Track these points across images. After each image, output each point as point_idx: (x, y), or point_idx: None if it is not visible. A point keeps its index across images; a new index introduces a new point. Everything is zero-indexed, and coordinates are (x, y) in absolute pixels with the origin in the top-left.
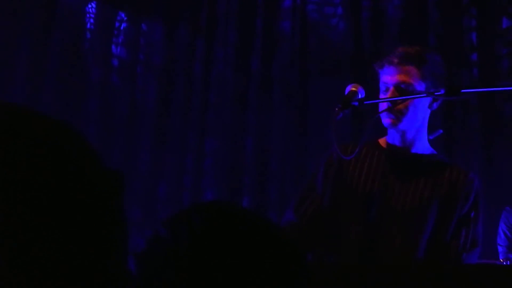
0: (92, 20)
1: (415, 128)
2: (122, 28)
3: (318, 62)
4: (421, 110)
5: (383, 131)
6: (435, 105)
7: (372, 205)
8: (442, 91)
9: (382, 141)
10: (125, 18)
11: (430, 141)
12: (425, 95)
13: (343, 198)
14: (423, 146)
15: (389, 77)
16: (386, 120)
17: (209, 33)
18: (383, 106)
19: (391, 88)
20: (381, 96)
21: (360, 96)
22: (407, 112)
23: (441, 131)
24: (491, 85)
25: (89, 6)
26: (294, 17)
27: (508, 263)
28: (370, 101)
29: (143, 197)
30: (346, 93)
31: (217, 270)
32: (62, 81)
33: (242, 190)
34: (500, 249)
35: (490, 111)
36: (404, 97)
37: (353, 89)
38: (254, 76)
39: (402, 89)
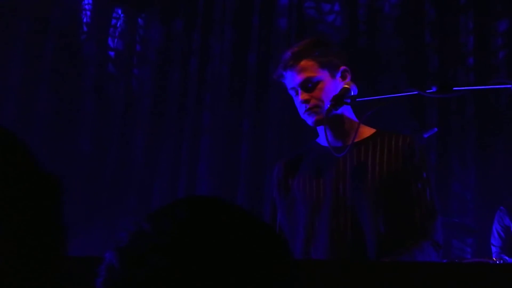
0: (88, 13)
1: (339, 114)
2: (118, 25)
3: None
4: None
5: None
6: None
7: (329, 208)
8: (434, 89)
9: (318, 141)
10: (122, 16)
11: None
12: (417, 92)
13: (297, 209)
14: (355, 129)
15: (292, 81)
16: (310, 120)
17: (205, 29)
18: (301, 109)
19: (299, 90)
20: (295, 100)
21: (352, 93)
22: (324, 104)
23: (436, 129)
24: (483, 83)
25: (86, 1)
26: (291, 14)
27: (501, 263)
28: (363, 99)
29: (139, 191)
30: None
31: (200, 263)
32: (58, 75)
33: (237, 184)
34: (493, 249)
35: (484, 103)
36: (392, 95)
37: (346, 86)
38: (251, 72)
39: (308, 86)
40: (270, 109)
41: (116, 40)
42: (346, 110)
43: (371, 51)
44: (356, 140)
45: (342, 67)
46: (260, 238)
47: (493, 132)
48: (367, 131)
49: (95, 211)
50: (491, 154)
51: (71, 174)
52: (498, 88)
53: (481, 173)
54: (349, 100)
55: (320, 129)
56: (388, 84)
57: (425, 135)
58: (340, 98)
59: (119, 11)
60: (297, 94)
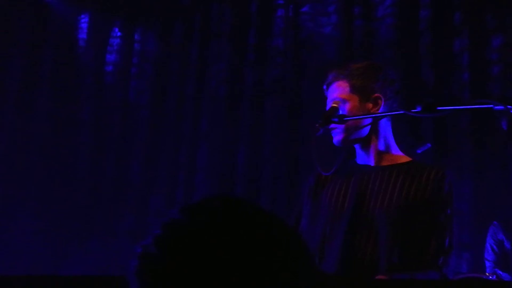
0: (85, 30)
1: (375, 138)
2: (116, 41)
3: (312, 72)
4: (369, 120)
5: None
6: (377, 111)
7: (346, 222)
8: (419, 109)
9: (356, 160)
10: (119, 34)
11: (406, 150)
12: (403, 112)
13: (319, 219)
14: (393, 154)
15: (328, 97)
16: (335, 138)
17: (202, 42)
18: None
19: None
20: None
21: (341, 112)
22: (354, 126)
23: (429, 145)
24: (467, 103)
25: (82, 16)
26: (287, 26)
27: (495, 277)
28: (350, 118)
29: (135, 208)
30: (327, 109)
31: (230, 258)
32: (56, 88)
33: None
34: (487, 263)
35: (480, 118)
36: (380, 114)
37: (334, 105)
38: (247, 89)
39: (337, 106)
40: (267, 124)
41: (113, 54)
42: (385, 128)
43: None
44: (388, 164)
45: (376, 94)
46: (285, 236)
47: (488, 146)
48: (401, 158)
49: (93, 223)
50: (487, 169)
51: (68, 185)
52: (480, 108)
53: (477, 187)
54: (336, 119)
55: (358, 150)
56: None
57: (419, 151)
58: (327, 117)
59: (116, 27)
60: None
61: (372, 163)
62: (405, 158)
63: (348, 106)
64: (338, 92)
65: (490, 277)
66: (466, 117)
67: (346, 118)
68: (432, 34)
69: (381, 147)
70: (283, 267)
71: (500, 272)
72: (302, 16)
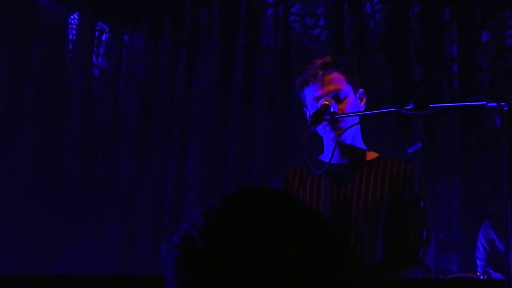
0: (74, 31)
1: (352, 135)
2: (103, 38)
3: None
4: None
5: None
6: (363, 106)
7: None
8: (411, 106)
9: (321, 157)
10: (107, 29)
11: (367, 144)
12: (395, 109)
13: None
14: (361, 150)
15: (319, 91)
16: (330, 133)
17: (191, 47)
18: (325, 123)
19: (330, 101)
20: (313, 109)
21: (332, 110)
22: (348, 122)
23: (420, 144)
24: (460, 100)
25: (72, 17)
26: (276, 27)
27: (486, 277)
28: (342, 115)
29: (123, 206)
30: (318, 106)
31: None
32: (43, 92)
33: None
34: (478, 262)
35: (470, 126)
36: (370, 112)
37: (326, 103)
38: (236, 89)
39: (338, 98)
40: (256, 127)
41: (101, 58)
42: (359, 125)
43: (356, 65)
44: (358, 161)
45: (361, 89)
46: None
47: (478, 149)
48: (369, 154)
49: (81, 228)
50: (476, 171)
51: (57, 194)
52: (473, 105)
53: (466, 185)
54: (328, 117)
55: (327, 146)
56: (373, 98)
57: (409, 151)
58: (319, 115)
59: (105, 29)
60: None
61: (341, 160)
62: (373, 154)
63: (348, 99)
64: (336, 84)
65: (482, 276)
66: (456, 124)
67: (337, 116)
68: (422, 29)
69: (352, 143)
70: (335, 265)
71: (491, 271)
72: (292, 15)
